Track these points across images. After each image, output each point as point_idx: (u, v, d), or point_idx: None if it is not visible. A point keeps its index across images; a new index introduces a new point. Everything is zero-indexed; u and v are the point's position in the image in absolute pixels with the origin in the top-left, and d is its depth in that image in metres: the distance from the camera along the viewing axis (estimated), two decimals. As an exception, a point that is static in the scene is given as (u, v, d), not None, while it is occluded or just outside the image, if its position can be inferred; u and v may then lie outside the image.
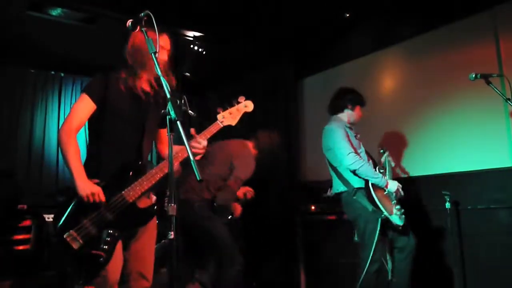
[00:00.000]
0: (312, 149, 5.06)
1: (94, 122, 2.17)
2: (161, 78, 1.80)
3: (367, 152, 3.37)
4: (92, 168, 2.09)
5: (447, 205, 3.41)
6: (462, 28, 3.77)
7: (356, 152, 3.12)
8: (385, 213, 2.99)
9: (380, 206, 3.00)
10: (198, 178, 1.63)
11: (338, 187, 3.26)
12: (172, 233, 1.73)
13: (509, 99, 2.79)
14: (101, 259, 1.99)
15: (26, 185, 5.02)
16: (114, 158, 2.14)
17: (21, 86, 5.23)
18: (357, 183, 3.12)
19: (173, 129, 1.75)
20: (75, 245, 1.98)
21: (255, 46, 5.00)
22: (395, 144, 4.17)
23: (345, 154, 3.09)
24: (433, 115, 3.91)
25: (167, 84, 1.79)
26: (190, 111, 3.07)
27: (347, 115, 3.38)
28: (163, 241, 3.80)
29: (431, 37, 3.99)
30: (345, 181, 3.19)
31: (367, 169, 3.05)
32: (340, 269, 3.78)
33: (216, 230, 3.21)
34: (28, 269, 3.99)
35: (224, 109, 2.35)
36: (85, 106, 2.14)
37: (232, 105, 2.38)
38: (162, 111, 1.78)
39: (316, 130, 5.10)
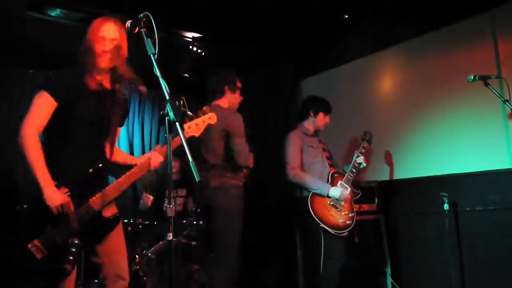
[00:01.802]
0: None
1: (53, 122, 2.05)
2: (160, 79, 1.80)
3: (330, 158, 3.55)
4: (53, 172, 1.98)
5: (446, 206, 3.42)
6: (460, 29, 3.77)
7: (300, 164, 3.36)
8: (322, 224, 3.18)
9: (315, 217, 3.19)
10: (197, 180, 1.63)
11: (298, 193, 3.48)
12: (171, 234, 1.73)
13: (507, 101, 2.80)
14: (66, 271, 1.95)
15: (23, 185, 5.01)
16: (76, 161, 2.05)
17: (20, 87, 5.22)
18: (305, 192, 3.35)
19: (172, 130, 1.76)
20: (39, 255, 1.92)
21: (255, 47, 5.01)
22: (393, 145, 4.18)
23: (289, 167, 3.36)
24: (431, 116, 3.92)
25: (166, 85, 1.79)
26: (189, 112, 3.06)
27: (310, 122, 3.57)
28: (160, 242, 3.81)
29: (430, 38, 4.00)
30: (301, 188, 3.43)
31: (305, 182, 3.31)
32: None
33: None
34: (27, 269, 3.98)
35: (190, 119, 2.36)
36: (46, 104, 2.02)
37: (198, 116, 2.41)
38: (161, 112, 1.78)
39: (315, 131, 5.14)
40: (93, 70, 2.12)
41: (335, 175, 3.43)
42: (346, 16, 4.44)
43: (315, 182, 3.31)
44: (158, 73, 1.81)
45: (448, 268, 3.46)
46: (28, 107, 2.04)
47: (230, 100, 3.27)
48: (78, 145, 2.08)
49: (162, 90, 1.79)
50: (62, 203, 1.92)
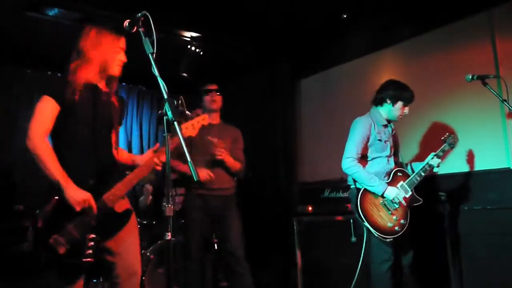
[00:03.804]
0: (309, 149, 5.07)
1: (56, 127, 2.10)
2: (159, 78, 1.81)
3: (396, 154, 3.23)
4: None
5: (444, 205, 3.42)
6: (459, 29, 3.78)
7: (361, 156, 3.05)
8: (365, 222, 2.91)
9: (361, 214, 2.92)
10: (195, 179, 1.64)
11: (350, 180, 3.19)
12: (169, 234, 1.73)
13: (505, 101, 2.81)
14: (87, 265, 1.99)
15: (23, 185, 5.00)
16: (84, 162, 2.10)
17: (18, 87, 5.22)
18: (358, 184, 3.07)
19: (170, 129, 1.77)
20: (61, 250, 1.96)
21: (253, 47, 5.01)
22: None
23: (345, 156, 3.06)
24: (429, 116, 3.92)
25: (164, 85, 1.80)
26: (187, 112, 3.08)
27: (385, 110, 3.18)
28: (159, 241, 3.81)
29: (428, 38, 4.00)
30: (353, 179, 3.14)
31: (360, 176, 2.99)
32: (338, 270, 3.78)
33: None
34: (27, 269, 3.98)
35: (186, 120, 2.45)
36: (50, 108, 2.07)
37: (192, 117, 2.50)
38: (159, 111, 1.79)
39: (313, 130, 5.14)
40: (100, 76, 2.21)
41: (399, 173, 3.09)
42: (345, 16, 4.44)
43: (371, 179, 2.97)
44: (156, 72, 1.81)
45: (447, 267, 3.46)
46: (32, 109, 2.09)
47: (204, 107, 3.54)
48: (85, 146, 2.13)
49: (160, 90, 1.80)
50: (84, 199, 1.97)
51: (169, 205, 1.73)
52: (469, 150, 3.63)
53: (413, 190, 3.07)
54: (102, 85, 2.25)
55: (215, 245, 3.70)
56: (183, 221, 3.89)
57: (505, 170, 3.38)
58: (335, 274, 3.80)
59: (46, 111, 2.07)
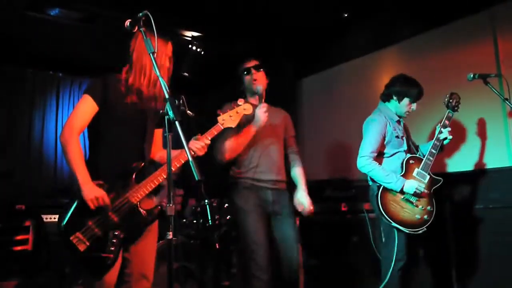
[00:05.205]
0: (310, 149, 5.06)
1: (94, 124, 2.16)
2: (160, 78, 1.81)
3: (409, 147, 3.14)
4: (93, 170, 2.08)
5: (446, 205, 3.41)
6: (460, 28, 3.77)
7: (377, 154, 2.99)
8: (393, 223, 2.82)
9: (386, 216, 2.83)
10: (196, 179, 1.63)
11: (369, 179, 3.12)
12: (171, 233, 1.73)
13: (507, 99, 2.80)
14: (109, 261, 2.01)
15: (24, 185, 5.01)
16: (115, 160, 2.14)
17: (19, 87, 5.23)
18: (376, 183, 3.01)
19: (172, 129, 1.77)
20: (82, 247, 1.99)
21: (255, 46, 5.01)
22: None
23: (359, 155, 2.99)
24: (430, 115, 3.91)
25: (165, 84, 1.80)
26: (188, 111, 3.07)
27: (393, 106, 3.12)
28: (160, 241, 3.80)
29: (430, 37, 4.00)
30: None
31: (376, 174, 2.92)
32: (339, 269, 3.78)
33: None
34: (28, 269, 3.99)
35: (224, 111, 2.38)
36: (88, 107, 2.13)
37: (231, 108, 2.41)
38: (161, 111, 1.79)
39: (315, 129, 5.14)
40: (144, 80, 2.20)
41: (410, 161, 2.96)
42: (345, 15, 4.44)
43: (388, 176, 2.89)
44: (157, 72, 1.81)
45: (449, 267, 3.46)
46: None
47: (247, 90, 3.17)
48: (117, 147, 2.17)
49: (162, 89, 1.80)
50: (97, 196, 2.00)
51: (170, 205, 1.72)
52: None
53: (430, 173, 2.95)
54: (144, 88, 2.20)
55: (217, 244, 3.69)
56: (184, 220, 3.91)
57: (507, 169, 3.37)
58: (336, 273, 3.79)
59: (84, 110, 2.13)
